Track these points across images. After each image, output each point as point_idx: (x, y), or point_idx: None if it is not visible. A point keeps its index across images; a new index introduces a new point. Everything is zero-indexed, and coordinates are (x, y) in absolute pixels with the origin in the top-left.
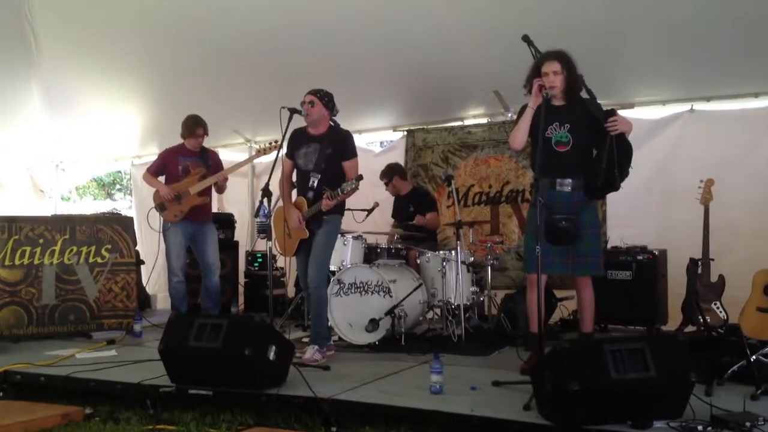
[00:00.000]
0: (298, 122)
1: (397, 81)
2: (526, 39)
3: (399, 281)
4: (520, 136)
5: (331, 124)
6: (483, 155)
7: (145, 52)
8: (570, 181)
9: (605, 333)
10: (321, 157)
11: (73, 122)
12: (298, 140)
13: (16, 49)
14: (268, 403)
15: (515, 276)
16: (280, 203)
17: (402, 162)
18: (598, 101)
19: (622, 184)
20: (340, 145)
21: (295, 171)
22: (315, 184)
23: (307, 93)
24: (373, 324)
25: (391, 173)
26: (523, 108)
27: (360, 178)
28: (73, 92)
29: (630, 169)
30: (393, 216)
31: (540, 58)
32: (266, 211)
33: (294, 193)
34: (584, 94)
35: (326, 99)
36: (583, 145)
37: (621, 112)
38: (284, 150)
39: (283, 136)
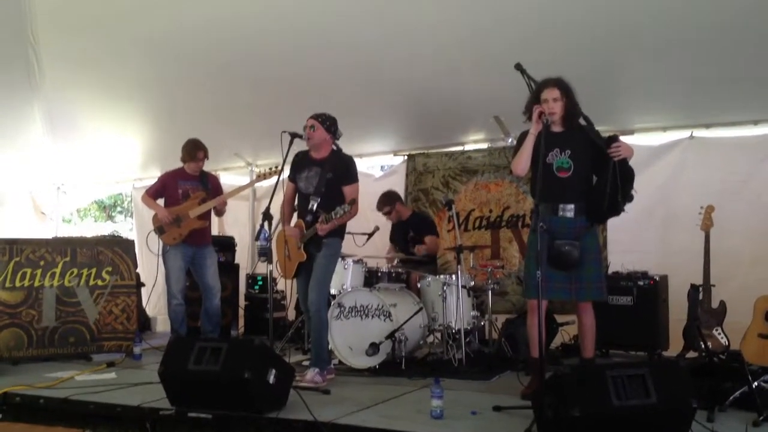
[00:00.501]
0: (299, 146)
1: (397, 106)
2: (518, 67)
3: (399, 305)
4: (523, 163)
5: (334, 148)
6: (483, 180)
7: (147, 75)
8: (572, 206)
9: (606, 358)
10: (321, 181)
11: (75, 145)
12: (300, 163)
13: (18, 71)
14: (267, 427)
15: (516, 300)
16: (283, 227)
17: (402, 186)
18: (597, 128)
19: (625, 209)
20: (341, 170)
21: (296, 194)
22: (314, 208)
23: (309, 117)
24: (374, 348)
25: (392, 200)
26: (523, 135)
27: (352, 202)
28: (75, 115)
29: (633, 193)
30: (391, 240)
31: (539, 84)
32: (267, 235)
33: (295, 216)
34: (582, 121)
35: (328, 123)
36: (584, 171)
37: (621, 139)
38: (286, 173)
39: (284, 161)
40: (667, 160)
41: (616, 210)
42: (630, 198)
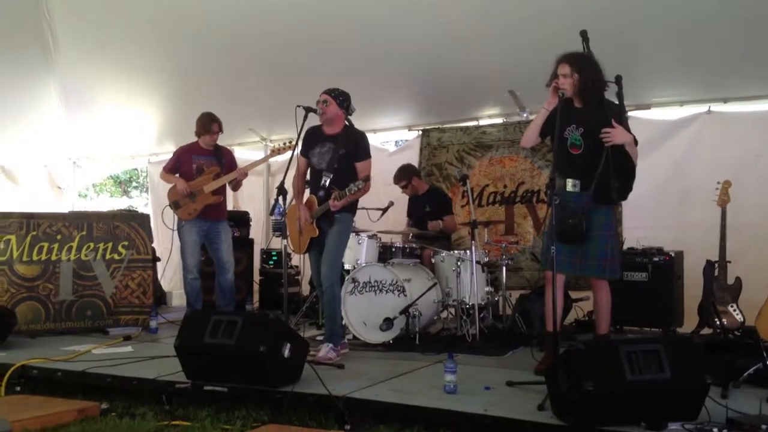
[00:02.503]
0: (313, 121)
1: (412, 80)
2: (583, 35)
3: (413, 280)
4: (530, 134)
5: (346, 124)
6: (498, 155)
7: (162, 50)
8: (579, 182)
9: (621, 334)
10: (334, 156)
11: (90, 120)
12: (313, 139)
13: (34, 47)
14: (282, 401)
15: (530, 276)
16: (295, 201)
17: (416, 161)
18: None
19: (639, 185)
20: (354, 146)
21: (309, 169)
22: (327, 184)
23: (323, 92)
24: (388, 323)
25: (409, 174)
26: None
27: (367, 179)
28: (90, 90)
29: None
30: (408, 215)
31: (557, 59)
32: (281, 210)
33: (307, 191)
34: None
35: (341, 98)
36: (596, 150)
37: (637, 114)
38: (299, 148)
39: (299, 135)
40: (684, 135)
41: (608, 198)
42: (627, 190)
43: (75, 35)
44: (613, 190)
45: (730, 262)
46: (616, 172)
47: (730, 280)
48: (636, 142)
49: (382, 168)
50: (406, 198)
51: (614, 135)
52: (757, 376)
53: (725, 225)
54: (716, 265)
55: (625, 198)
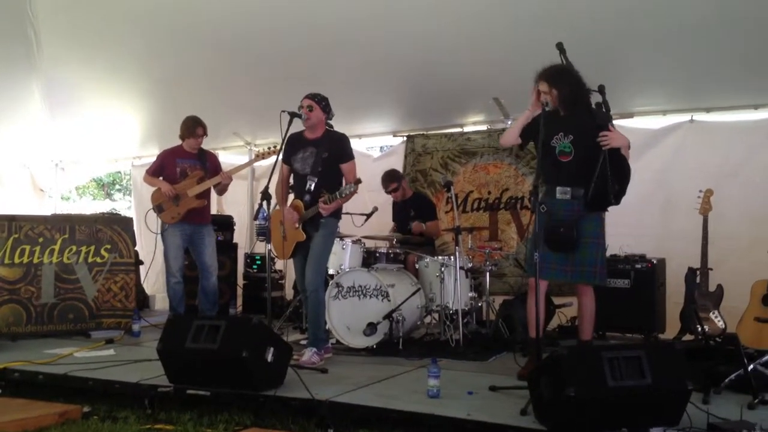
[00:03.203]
0: (299, 126)
1: (397, 86)
2: (559, 47)
3: (397, 285)
4: (510, 135)
5: (327, 127)
6: (482, 162)
7: (146, 52)
8: (569, 189)
9: (603, 340)
10: (318, 160)
11: (74, 122)
12: (294, 145)
13: (17, 47)
14: (265, 405)
15: (513, 282)
16: (277, 207)
17: (401, 167)
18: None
19: (616, 202)
20: (337, 149)
21: (292, 175)
22: (312, 188)
23: (305, 97)
24: (371, 328)
25: (398, 178)
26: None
27: (358, 181)
28: (74, 92)
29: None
30: (394, 220)
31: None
32: (265, 214)
33: (291, 197)
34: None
35: (323, 103)
36: (586, 157)
37: (620, 122)
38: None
39: (283, 140)
40: (667, 144)
41: (604, 202)
42: (622, 193)
43: (59, 36)
44: (612, 194)
45: (711, 269)
46: (614, 175)
47: (712, 287)
48: (629, 146)
49: (366, 174)
50: (389, 204)
51: (612, 138)
52: (738, 382)
53: (707, 233)
54: (698, 272)
55: (619, 202)
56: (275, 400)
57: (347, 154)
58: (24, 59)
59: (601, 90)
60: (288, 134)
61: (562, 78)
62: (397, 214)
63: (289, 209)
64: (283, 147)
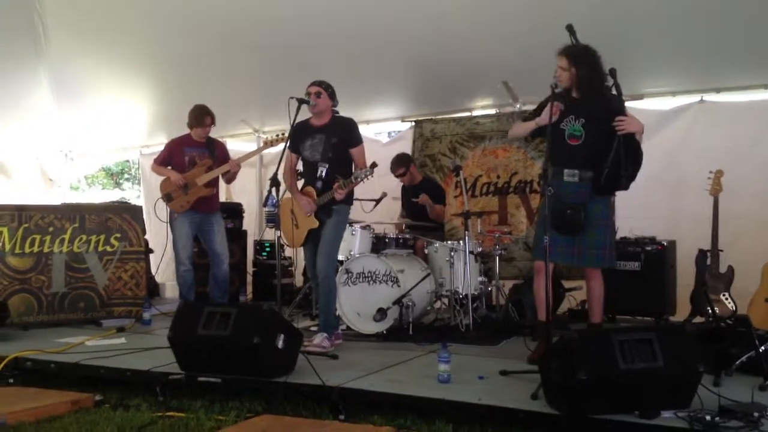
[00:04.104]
0: (305, 113)
1: (405, 71)
2: (569, 29)
3: (407, 271)
4: (516, 134)
5: (333, 113)
6: (491, 146)
7: (154, 41)
8: (578, 172)
9: (613, 323)
10: (327, 147)
11: (82, 112)
12: (301, 134)
13: (25, 39)
14: (276, 391)
15: (523, 266)
16: (287, 194)
17: (409, 152)
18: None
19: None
20: (346, 134)
21: (301, 163)
22: (323, 174)
23: (312, 84)
24: (381, 313)
25: (407, 162)
26: (540, 106)
27: (374, 165)
28: (82, 82)
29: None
30: (403, 206)
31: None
32: (275, 201)
33: (299, 184)
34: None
35: (330, 90)
36: (596, 141)
37: (630, 104)
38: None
39: (292, 126)
40: (677, 125)
41: (617, 186)
42: (632, 178)
43: (66, 27)
44: (624, 178)
45: (722, 250)
46: (627, 160)
47: (723, 269)
48: (642, 131)
49: (375, 159)
50: (398, 189)
51: (629, 123)
52: (749, 364)
53: (717, 214)
54: (708, 254)
55: (628, 187)
56: (286, 386)
57: (356, 139)
58: (31, 51)
59: (612, 73)
60: (294, 123)
61: (585, 58)
62: (406, 199)
63: (305, 198)
64: (290, 137)
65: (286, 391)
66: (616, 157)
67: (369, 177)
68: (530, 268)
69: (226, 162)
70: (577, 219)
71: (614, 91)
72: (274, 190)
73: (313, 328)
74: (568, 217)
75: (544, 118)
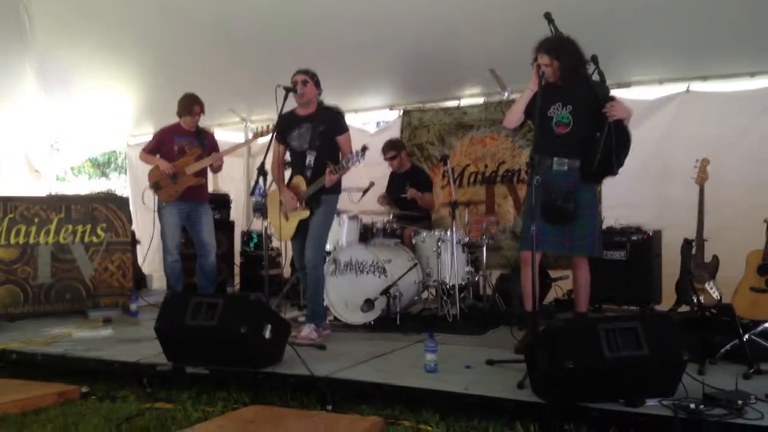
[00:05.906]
0: (291, 103)
1: (393, 60)
2: (547, 17)
3: (394, 261)
4: (514, 116)
5: (319, 103)
6: (479, 135)
7: (140, 30)
8: (566, 161)
9: (599, 313)
10: (315, 135)
11: (68, 102)
12: (288, 124)
13: (10, 29)
14: (264, 382)
15: (510, 256)
16: (274, 186)
17: None
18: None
19: (618, 171)
20: (332, 122)
21: (288, 153)
22: (312, 163)
23: (298, 72)
24: (369, 304)
25: (398, 147)
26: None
27: (365, 148)
28: (68, 72)
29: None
30: (388, 192)
31: (535, 47)
32: (262, 190)
33: (287, 174)
34: (596, 76)
35: (315, 78)
36: (584, 128)
37: (617, 92)
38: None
39: (279, 115)
40: (664, 114)
41: (607, 171)
42: (622, 163)
43: (51, 16)
44: (615, 164)
45: (707, 240)
46: (617, 145)
47: (708, 258)
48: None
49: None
50: (386, 179)
51: (618, 109)
52: (734, 352)
53: (703, 203)
54: (694, 243)
55: (617, 173)
56: (274, 377)
57: (342, 127)
58: (17, 40)
59: (594, 60)
60: (287, 109)
61: (563, 49)
62: (393, 185)
63: (290, 194)
64: (276, 128)
65: (274, 382)
66: (608, 142)
67: (361, 161)
68: (517, 257)
69: (216, 151)
70: (569, 209)
71: (597, 77)
72: (261, 179)
73: (301, 319)
74: (559, 207)
75: (536, 83)
